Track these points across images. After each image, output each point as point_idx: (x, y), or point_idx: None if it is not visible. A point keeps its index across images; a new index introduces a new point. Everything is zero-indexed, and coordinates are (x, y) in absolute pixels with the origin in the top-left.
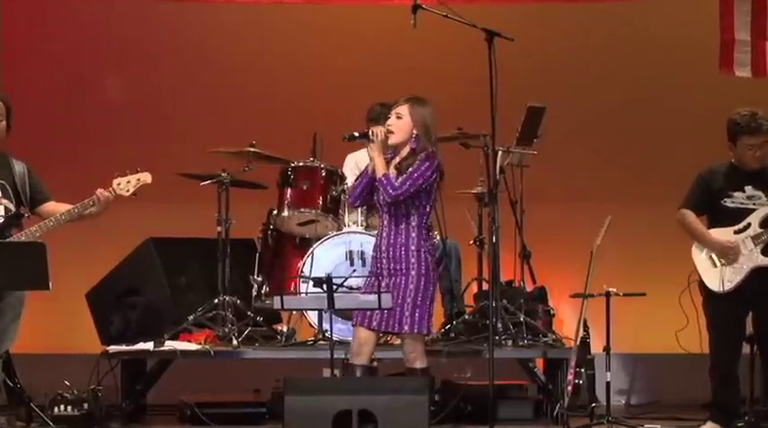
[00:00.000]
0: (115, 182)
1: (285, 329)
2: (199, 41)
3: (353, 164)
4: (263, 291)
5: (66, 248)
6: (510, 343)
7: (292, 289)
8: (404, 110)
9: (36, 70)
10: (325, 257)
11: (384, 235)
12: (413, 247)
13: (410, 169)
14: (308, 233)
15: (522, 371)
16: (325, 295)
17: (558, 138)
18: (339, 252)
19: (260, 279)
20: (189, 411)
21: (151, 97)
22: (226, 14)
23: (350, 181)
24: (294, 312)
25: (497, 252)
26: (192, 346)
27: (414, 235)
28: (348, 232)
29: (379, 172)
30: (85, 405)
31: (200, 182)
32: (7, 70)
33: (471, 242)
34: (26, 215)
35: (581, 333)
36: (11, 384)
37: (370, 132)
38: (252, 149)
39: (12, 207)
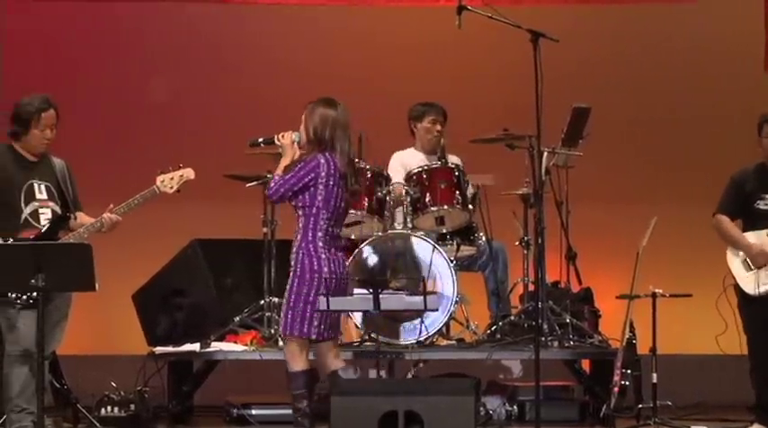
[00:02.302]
0: (158, 179)
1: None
2: (243, 43)
3: (399, 165)
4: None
5: (113, 249)
6: (556, 344)
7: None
8: (305, 113)
9: (81, 73)
10: (371, 258)
11: None
12: (294, 249)
13: (290, 171)
14: (353, 234)
15: (569, 372)
16: (370, 296)
17: (603, 138)
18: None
19: None
20: (235, 412)
21: (197, 98)
22: (269, 16)
23: (396, 181)
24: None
25: (543, 253)
26: (239, 347)
27: (299, 236)
28: (394, 233)
29: (275, 172)
30: (132, 407)
31: (245, 183)
32: (52, 72)
33: (517, 243)
34: (72, 216)
35: (627, 334)
36: (58, 385)
37: (275, 138)
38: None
39: (58, 209)
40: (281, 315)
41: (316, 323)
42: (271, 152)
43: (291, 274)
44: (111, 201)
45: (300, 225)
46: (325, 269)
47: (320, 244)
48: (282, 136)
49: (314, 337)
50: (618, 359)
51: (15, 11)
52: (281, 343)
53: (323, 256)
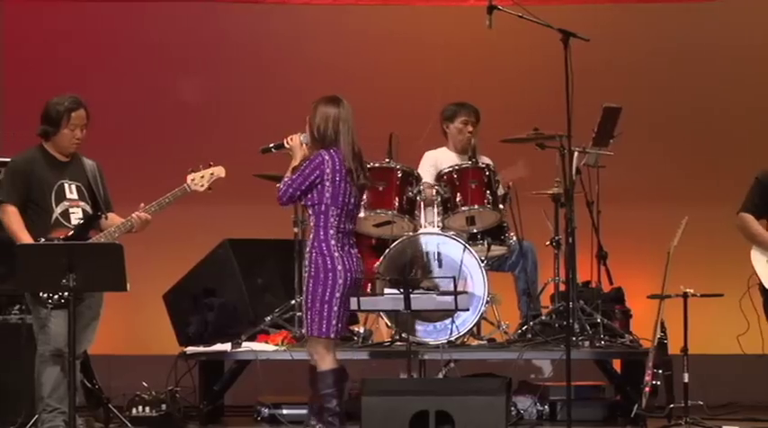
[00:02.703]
0: (189, 177)
1: (362, 330)
2: (275, 43)
3: (430, 164)
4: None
5: (144, 249)
6: (587, 343)
7: (368, 290)
8: (310, 113)
9: (113, 73)
10: (402, 258)
11: None
12: (307, 249)
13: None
14: (383, 234)
15: (600, 372)
16: (401, 296)
17: (634, 138)
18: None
19: None
20: (266, 412)
21: (228, 98)
22: (300, 16)
23: (426, 180)
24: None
25: (574, 252)
26: (270, 347)
27: (311, 236)
28: (424, 233)
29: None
30: (163, 406)
31: (276, 183)
32: (84, 72)
33: (548, 243)
34: (103, 216)
35: (658, 333)
36: (89, 385)
37: (284, 142)
38: None
39: (89, 209)
40: (304, 316)
41: (334, 321)
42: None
43: (306, 275)
44: (142, 201)
45: (311, 223)
46: (339, 267)
47: (332, 241)
48: (291, 138)
49: (332, 336)
50: (649, 359)
51: (55, 11)
52: None
53: (336, 254)
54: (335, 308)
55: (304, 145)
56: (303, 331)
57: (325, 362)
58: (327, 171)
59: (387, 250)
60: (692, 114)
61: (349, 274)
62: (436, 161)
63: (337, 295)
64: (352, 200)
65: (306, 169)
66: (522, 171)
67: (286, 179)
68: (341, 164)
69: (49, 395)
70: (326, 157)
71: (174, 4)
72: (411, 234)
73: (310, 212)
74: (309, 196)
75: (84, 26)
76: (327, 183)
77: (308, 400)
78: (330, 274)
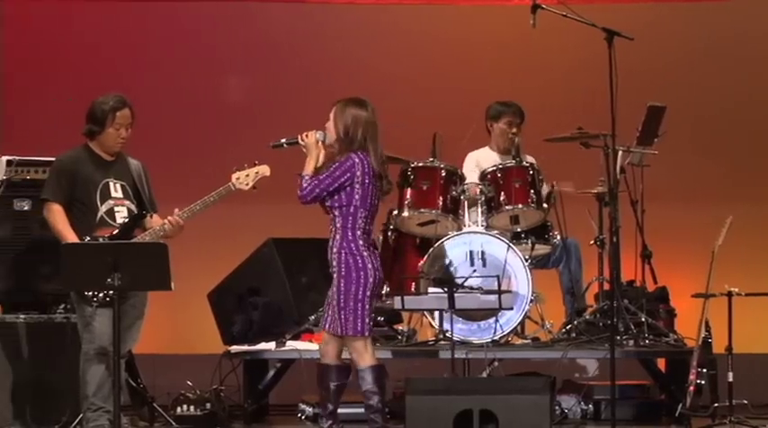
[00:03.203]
0: (234, 176)
1: (406, 329)
2: (318, 43)
3: (474, 164)
4: (383, 291)
5: (188, 248)
6: (631, 343)
7: (413, 289)
8: (332, 112)
9: (157, 74)
10: (446, 257)
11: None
12: (335, 249)
13: (323, 171)
14: (428, 233)
15: (644, 371)
16: (445, 295)
17: (678, 137)
18: (459, 252)
19: None
20: (310, 411)
21: (270, 98)
22: (343, 16)
23: (470, 180)
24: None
25: (618, 252)
26: (314, 346)
27: (338, 237)
28: (468, 232)
29: (303, 172)
30: (208, 405)
31: None
32: (128, 72)
33: (592, 242)
34: (148, 215)
35: (703, 333)
36: (134, 384)
37: (299, 138)
38: None
39: (134, 208)
40: (335, 317)
41: (367, 320)
42: None
43: (336, 275)
44: (187, 200)
45: (338, 225)
46: (369, 266)
47: (360, 242)
48: (306, 135)
49: (367, 334)
50: (693, 358)
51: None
52: None
53: (365, 254)
54: (367, 307)
55: (320, 143)
56: (338, 331)
57: (365, 360)
58: (358, 174)
59: (431, 249)
60: (736, 113)
61: (377, 273)
62: (478, 162)
63: (368, 294)
64: (377, 202)
65: (336, 171)
66: (569, 187)
67: (306, 177)
68: (370, 168)
69: (93, 393)
70: (357, 160)
71: (215, 3)
72: (455, 233)
73: (336, 213)
74: (336, 197)
75: (124, 26)
76: (357, 186)
77: (318, 400)
78: (362, 273)
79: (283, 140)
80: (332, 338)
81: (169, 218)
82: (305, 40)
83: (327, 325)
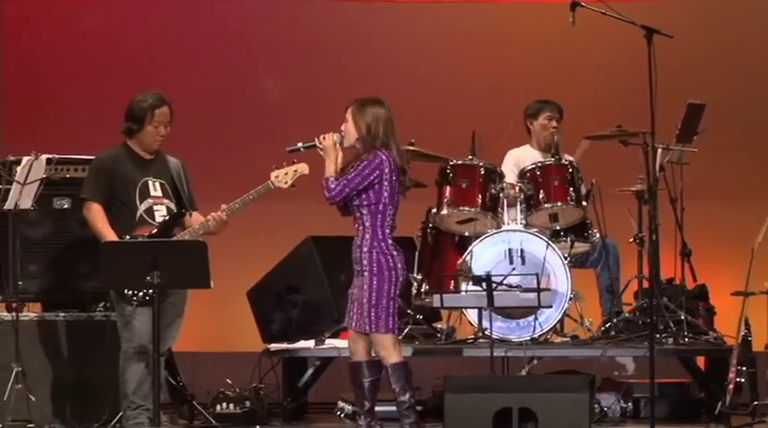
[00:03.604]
0: (273, 174)
1: (445, 327)
2: (356, 41)
3: (512, 163)
4: (422, 289)
5: (228, 246)
6: (671, 341)
7: (452, 287)
8: (348, 113)
9: (195, 72)
10: (485, 255)
11: (354, 237)
12: (365, 248)
13: (351, 171)
14: (467, 231)
15: (683, 369)
16: (484, 293)
17: (718, 134)
18: (498, 250)
19: (419, 277)
20: (349, 409)
21: (308, 96)
22: (382, 14)
23: (509, 179)
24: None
25: (658, 250)
26: None
27: (367, 236)
28: (507, 230)
29: (325, 174)
30: (247, 403)
31: None
32: (174, 70)
33: (631, 240)
34: (188, 214)
35: (742, 331)
36: (173, 382)
37: (317, 140)
38: (411, 148)
39: (173, 206)
40: (363, 315)
41: (396, 317)
42: None
43: (367, 273)
44: (225, 198)
45: (367, 223)
46: (399, 265)
47: (390, 241)
48: (324, 137)
49: (395, 332)
50: (733, 356)
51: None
52: None
53: (395, 253)
54: (396, 305)
55: (337, 145)
56: (366, 328)
57: (393, 357)
58: (386, 171)
59: (470, 247)
60: None
61: (404, 271)
62: (518, 160)
63: (397, 292)
64: (400, 199)
65: (365, 169)
66: (584, 147)
67: (331, 178)
68: (394, 164)
69: (133, 392)
70: (384, 157)
71: (256, 2)
72: (495, 231)
73: (364, 212)
74: (365, 196)
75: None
76: (386, 183)
77: (354, 400)
78: (393, 272)
79: (300, 144)
80: (359, 336)
81: (212, 214)
82: (342, 38)
83: (354, 324)
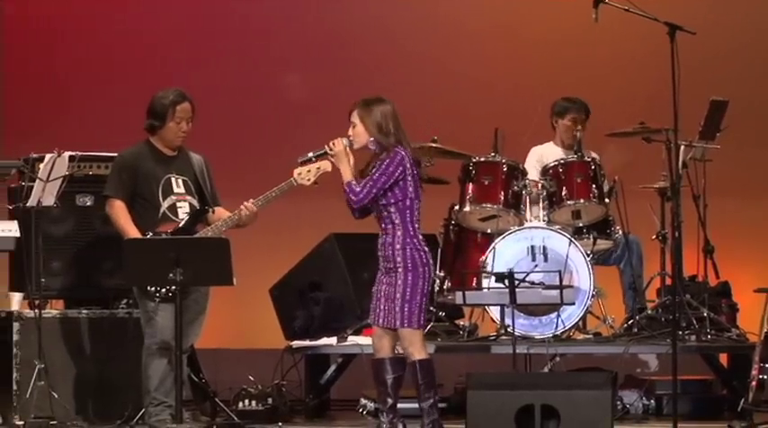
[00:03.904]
0: (296, 172)
1: (467, 324)
2: (377, 38)
3: (536, 159)
4: (444, 287)
5: (250, 244)
6: (693, 338)
7: (474, 284)
8: (354, 116)
9: (219, 69)
10: (507, 252)
11: (380, 235)
12: (398, 246)
13: (373, 171)
14: (489, 228)
15: (706, 366)
16: (507, 290)
17: (741, 131)
18: (521, 247)
19: (442, 274)
20: (371, 406)
21: (332, 92)
22: (403, 11)
23: (532, 176)
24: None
25: (680, 247)
26: None
27: (399, 233)
28: (530, 227)
29: (344, 180)
30: (270, 400)
31: None
32: (195, 68)
33: (654, 237)
34: (210, 210)
35: (765, 328)
36: (196, 379)
37: (327, 147)
38: (434, 145)
39: (196, 203)
40: (392, 310)
41: (425, 313)
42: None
43: (401, 270)
44: (247, 195)
45: (397, 221)
46: (431, 261)
47: (420, 236)
48: (334, 143)
49: (422, 328)
50: (756, 353)
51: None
52: None
53: (426, 249)
54: (427, 301)
55: (347, 148)
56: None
57: (420, 353)
58: (408, 166)
59: (492, 244)
60: None
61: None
62: (541, 156)
63: (429, 288)
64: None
65: (389, 167)
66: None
67: (354, 184)
68: (411, 158)
69: (155, 388)
70: (403, 153)
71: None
72: (518, 228)
73: (392, 210)
74: (391, 194)
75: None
76: (409, 178)
77: (376, 397)
78: (426, 268)
79: (311, 154)
80: (385, 333)
81: (244, 203)
82: (364, 35)
83: (381, 320)
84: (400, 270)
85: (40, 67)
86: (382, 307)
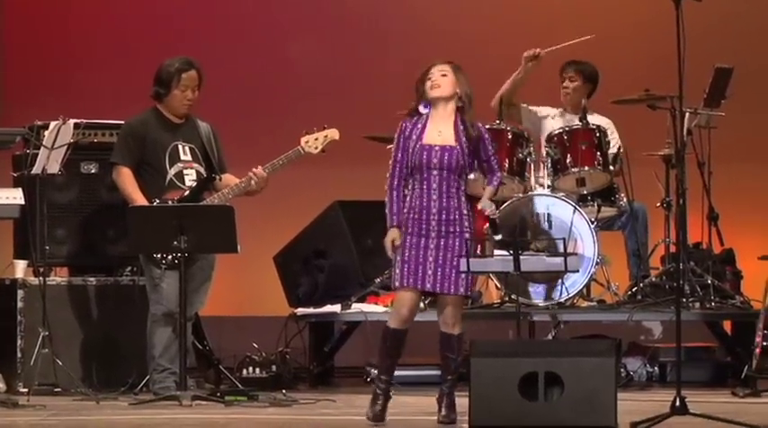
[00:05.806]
0: (303, 139)
1: (471, 292)
2: (392, 8)
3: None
4: None
5: (255, 211)
6: (697, 305)
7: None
8: (450, 69)
9: (226, 35)
10: (512, 220)
11: (435, 198)
12: (465, 211)
13: (489, 148)
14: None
15: (710, 334)
16: (511, 257)
17: (746, 98)
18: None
19: None
20: (376, 373)
21: (342, 61)
22: None
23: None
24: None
25: (685, 214)
26: (379, 308)
27: (464, 198)
28: (534, 194)
29: (490, 192)
30: (274, 368)
31: (387, 145)
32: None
33: (658, 204)
34: (217, 178)
35: None
36: (200, 346)
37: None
38: None
39: (203, 170)
40: (448, 275)
41: None
42: None
43: (468, 234)
44: (255, 163)
45: (462, 187)
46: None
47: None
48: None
49: None
50: (760, 320)
51: None
52: (420, 305)
53: None
54: None
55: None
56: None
57: (461, 326)
58: None
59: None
60: None
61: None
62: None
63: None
64: None
65: (491, 139)
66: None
67: (497, 175)
68: None
69: (160, 355)
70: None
71: None
72: (522, 196)
73: (463, 176)
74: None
75: None
76: None
77: (379, 362)
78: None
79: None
80: (414, 298)
81: (254, 169)
82: (379, 4)
83: (432, 284)
84: (467, 235)
85: (45, 34)
86: (430, 272)
